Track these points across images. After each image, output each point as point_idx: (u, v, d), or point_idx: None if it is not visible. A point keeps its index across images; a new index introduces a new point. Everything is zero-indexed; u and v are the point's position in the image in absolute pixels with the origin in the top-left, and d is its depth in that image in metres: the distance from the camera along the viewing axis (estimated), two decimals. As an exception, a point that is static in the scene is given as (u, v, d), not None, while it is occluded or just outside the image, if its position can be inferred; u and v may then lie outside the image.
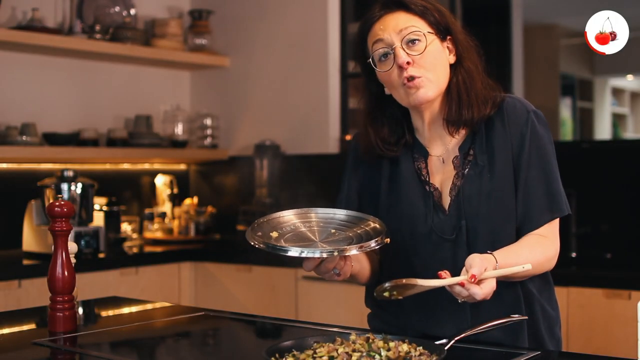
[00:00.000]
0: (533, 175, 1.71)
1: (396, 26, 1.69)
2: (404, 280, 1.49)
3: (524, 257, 1.63)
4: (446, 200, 1.75)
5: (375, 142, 1.79)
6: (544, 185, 1.71)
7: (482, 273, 1.50)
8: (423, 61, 1.69)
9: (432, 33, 1.71)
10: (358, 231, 1.63)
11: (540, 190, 1.71)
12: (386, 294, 1.51)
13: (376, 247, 1.55)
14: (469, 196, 1.72)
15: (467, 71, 1.74)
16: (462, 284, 1.49)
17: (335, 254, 1.52)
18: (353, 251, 1.53)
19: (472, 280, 1.49)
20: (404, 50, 1.68)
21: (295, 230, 1.63)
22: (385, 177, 1.82)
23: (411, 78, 1.68)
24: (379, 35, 1.71)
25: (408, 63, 1.68)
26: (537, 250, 1.68)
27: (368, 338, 1.50)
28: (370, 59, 1.73)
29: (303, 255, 1.51)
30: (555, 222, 1.73)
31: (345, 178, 1.91)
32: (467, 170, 1.74)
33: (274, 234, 1.60)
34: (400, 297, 1.52)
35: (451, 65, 1.75)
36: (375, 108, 1.81)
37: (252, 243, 1.56)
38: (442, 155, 1.78)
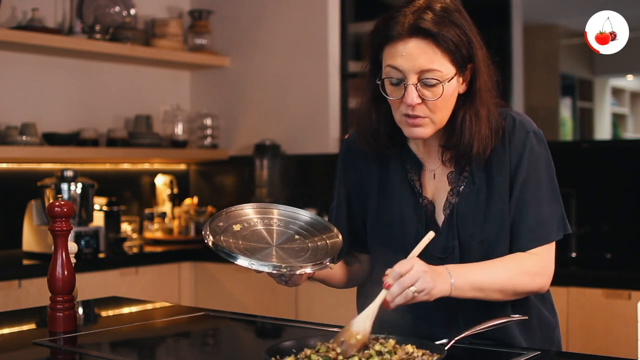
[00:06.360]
0: (524, 199, 1.65)
1: (418, 63, 1.57)
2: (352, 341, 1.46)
3: (490, 270, 1.59)
4: (440, 217, 1.70)
5: (377, 130, 1.70)
6: (534, 210, 1.65)
7: (398, 275, 1.47)
8: (433, 104, 1.59)
9: (453, 73, 1.59)
10: (319, 243, 1.64)
11: (531, 215, 1.65)
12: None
13: (318, 269, 1.57)
14: (464, 216, 1.67)
15: (476, 112, 1.64)
16: (385, 303, 1.48)
17: (284, 270, 1.54)
18: (300, 270, 1.55)
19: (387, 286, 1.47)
20: (417, 91, 1.58)
21: (254, 227, 1.65)
22: (375, 184, 1.77)
23: (414, 116, 1.60)
24: (397, 62, 1.58)
25: (418, 103, 1.59)
26: (509, 263, 1.63)
27: (377, 338, 1.50)
28: (380, 81, 1.62)
29: (253, 267, 1.54)
30: (549, 244, 1.67)
31: (335, 185, 1.85)
32: (462, 187, 1.68)
33: (237, 227, 1.62)
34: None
35: (460, 95, 1.65)
36: (379, 97, 1.67)
37: (206, 241, 1.56)
38: (437, 169, 1.72)
